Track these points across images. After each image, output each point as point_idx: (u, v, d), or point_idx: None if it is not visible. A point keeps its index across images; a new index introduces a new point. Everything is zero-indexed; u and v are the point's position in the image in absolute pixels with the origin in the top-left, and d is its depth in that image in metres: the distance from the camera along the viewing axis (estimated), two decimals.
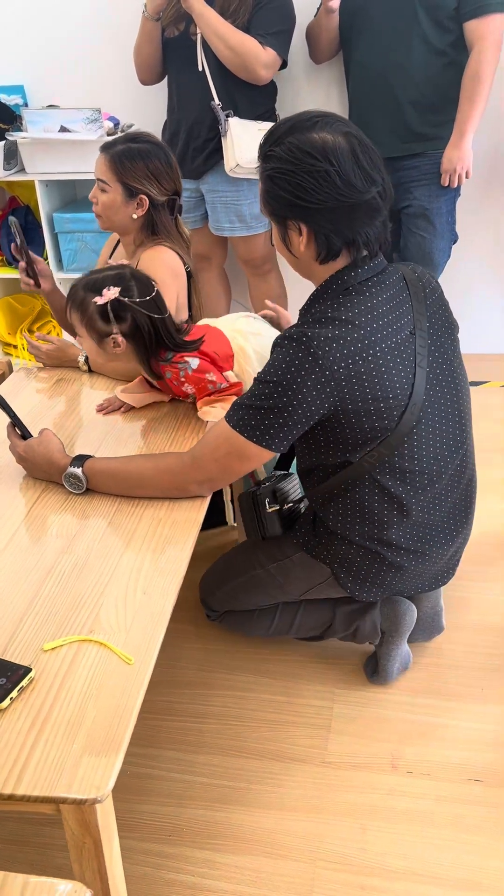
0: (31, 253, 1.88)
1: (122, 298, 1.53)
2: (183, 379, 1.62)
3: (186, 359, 1.61)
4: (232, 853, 1.42)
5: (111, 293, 1.53)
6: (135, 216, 1.87)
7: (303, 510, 1.66)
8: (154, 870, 1.39)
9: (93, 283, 1.56)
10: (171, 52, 2.62)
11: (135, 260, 1.92)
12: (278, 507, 1.61)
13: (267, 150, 1.34)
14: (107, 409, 1.75)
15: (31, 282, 1.92)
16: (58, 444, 1.48)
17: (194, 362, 1.61)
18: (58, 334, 3.24)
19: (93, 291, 1.55)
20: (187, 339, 1.62)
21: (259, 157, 1.37)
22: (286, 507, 1.63)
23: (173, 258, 1.85)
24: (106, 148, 1.87)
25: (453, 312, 3.18)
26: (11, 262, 3.16)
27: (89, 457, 1.46)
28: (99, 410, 1.75)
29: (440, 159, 2.52)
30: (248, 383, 1.74)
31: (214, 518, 2.27)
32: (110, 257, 2.07)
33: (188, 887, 1.36)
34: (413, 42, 2.41)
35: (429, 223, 2.61)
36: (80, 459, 1.45)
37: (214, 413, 1.62)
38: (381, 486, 1.45)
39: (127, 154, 1.83)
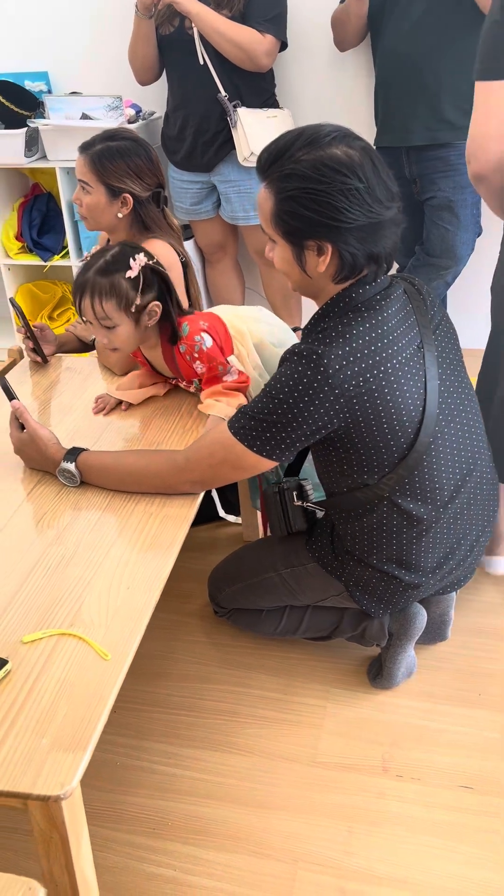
0: (34, 330, 1.91)
1: (149, 262, 1.53)
2: (196, 355, 1.60)
3: (202, 334, 1.60)
4: (215, 849, 1.42)
5: (140, 260, 1.51)
6: (120, 215, 1.86)
7: (318, 515, 1.64)
8: (136, 862, 1.40)
9: (107, 266, 1.51)
10: (169, 50, 2.61)
11: None
12: (303, 503, 1.60)
13: (283, 168, 1.27)
14: (104, 409, 1.71)
15: (39, 359, 1.94)
16: (48, 436, 1.47)
17: (208, 340, 1.60)
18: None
19: (113, 273, 1.51)
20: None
21: (269, 175, 1.30)
22: (308, 505, 1.61)
23: (166, 251, 1.84)
24: (84, 148, 1.84)
25: (477, 306, 3.13)
26: (31, 249, 3.17)
27: (83, 450, 1.46)
28: (97, 412, 1.71)
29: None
30: (245, 366, 1.73)
31: (207, 512, 2.25)
32: None
33: (168, 881, 1.37)
34: (449, 25, 2.34)
35: (453, 215, 2.55)
36: (74, 453, 1.45)
37: (217, 408, 1.60)
38: (401, 508, 1.42)
39: (106, 154, 1.81)
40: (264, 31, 2.48)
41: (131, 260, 1.51)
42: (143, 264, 1.52)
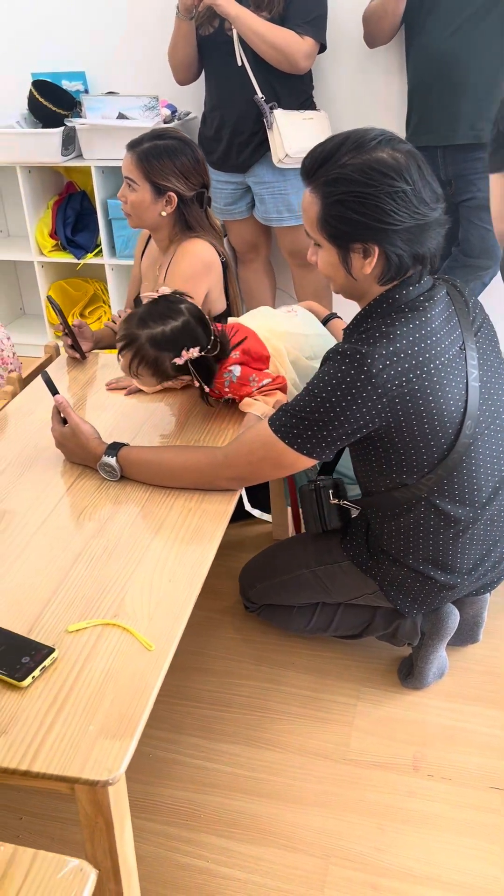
0: (72, 328, 1.96)
1: (201, 353, 1.56)
2: (227, 389, 1.64)
3: (230, 368, 1.62)
4: (247, 842, 1.43)
5: (192, 353, 1.55)
6: (164, 213, 1.88)
7: (353, 514, 1.65)
8: (169, 852, 1.42)
9: (162, 339, 1.54)
10: (208, 50, 2.63)
11: (169, 255, 1.93)
12: (339, 501, 1.61)
13: (330, 172, 1.28)
14: (115, 385, 1.82)
15: (78, 355, 1.98)
16: (90, 431, 1.50)
17: (237, 371, 1.62)
18: (108, 318, 3.27)
19: (163, 349, 1.55)
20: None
21: (315, 179, 1.31)
22: (344, 503, 1.62)
23: (208, 250, 1.86)
24: (132, 146, 1.87)
25: None
26: (64, 246, 3.20)
27: (124, 445, 1.48)
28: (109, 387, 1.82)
29: None
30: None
31: (236, 510, 2.26)
32: (143, 253, 2.08)
33: (201, 872, 1.38)
34: (490, 21, 2.33)
35: None
36: (115, 448, 1.47)
37: (256, 406, 1.62)
38: (438, 509, 1.43)
39: (154, 152, 1.83)
40: (303, 33, 2.49)
41: (184, 351, 1.54)
42: (192, 358, 1.55)
